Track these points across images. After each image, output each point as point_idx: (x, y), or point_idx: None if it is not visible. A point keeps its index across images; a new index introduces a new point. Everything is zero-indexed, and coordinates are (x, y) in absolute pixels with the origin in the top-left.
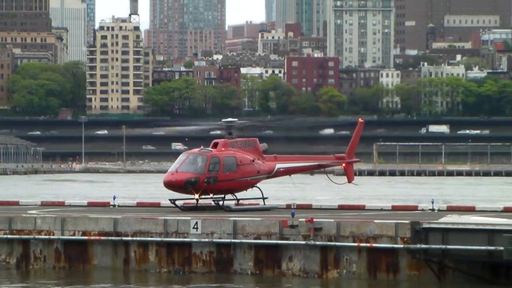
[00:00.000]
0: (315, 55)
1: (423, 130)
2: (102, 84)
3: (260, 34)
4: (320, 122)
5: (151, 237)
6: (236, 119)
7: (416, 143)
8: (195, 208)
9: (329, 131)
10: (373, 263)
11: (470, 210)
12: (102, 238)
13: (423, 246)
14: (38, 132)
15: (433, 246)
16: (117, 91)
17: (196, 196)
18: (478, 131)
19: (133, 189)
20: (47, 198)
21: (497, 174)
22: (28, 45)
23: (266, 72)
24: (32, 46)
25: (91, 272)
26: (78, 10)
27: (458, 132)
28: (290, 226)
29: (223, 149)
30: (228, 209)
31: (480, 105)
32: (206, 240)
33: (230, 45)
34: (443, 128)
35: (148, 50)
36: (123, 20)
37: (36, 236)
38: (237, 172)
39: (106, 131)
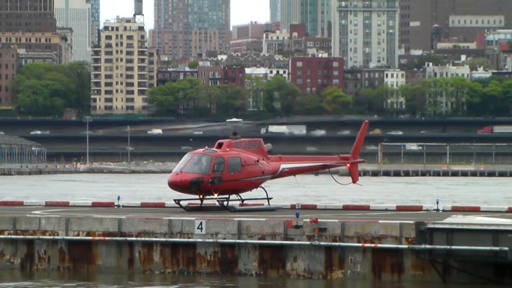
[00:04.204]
0: (320, 55)
1: (263, 130)
2: (106, 84)
3: (264, 34)
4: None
5: (156, 237)
6: (241, 120)
7: (421, 144)
8: (200, 209)
9: None
10: (378, 263)
11: (475, 210)
12: (107, 238)
13: (428, 246)
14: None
15: (438, 247)
16: (121, 91)
17: (201, 196)
18: (323, 132)
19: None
20: (54, 198)
21: (502, 174)
22: (33, 45)
23: (271, 72)
24: (37, 46)
25: (96, 272)
26: (82, 10)
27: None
28: (294, 227)
29: (227, 149)
30: (232, 210)
31: (485, 105)
32: (211, 240)
33: (234, 45)
34: (283, 129)
35: (153, 50)
36: (128, 20)
37: (41, 237)
38: (241, 173)
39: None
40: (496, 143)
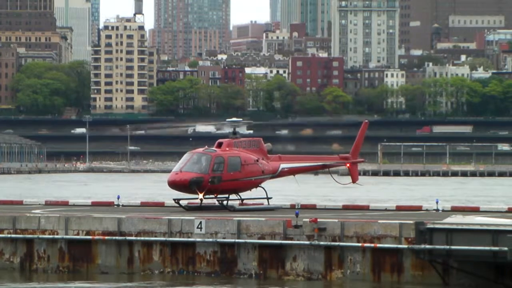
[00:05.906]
0: (320, 55)
1: (190, 130)
2: (106, 83)
3: (264, 34)
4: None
5: (155, 236)
6: (241, 119)
7: (421, 143)
8: (199, 208)
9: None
10: (377, 263)
11: (475, 210)
12: (106, 237)
13: (428, 246)
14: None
15: (438, 247)
16: (121, 90)
17: (200, 196)
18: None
19: None
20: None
21: (502, 174)
22: (33, 44)
23: (271, 72)
24: (37, 45)
25: (95, 271)
26: (82, 9)
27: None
28: (294, 226)
29: (227, 149)
30: (232, 209)
31: (485, 105)
32: (210, 240)
33: (234, 45)
34: (210, 128)
35: (153, 50)
36: (128, 20)
37: (40, 236)
38: (241, 172)
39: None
40: (434, 143)
